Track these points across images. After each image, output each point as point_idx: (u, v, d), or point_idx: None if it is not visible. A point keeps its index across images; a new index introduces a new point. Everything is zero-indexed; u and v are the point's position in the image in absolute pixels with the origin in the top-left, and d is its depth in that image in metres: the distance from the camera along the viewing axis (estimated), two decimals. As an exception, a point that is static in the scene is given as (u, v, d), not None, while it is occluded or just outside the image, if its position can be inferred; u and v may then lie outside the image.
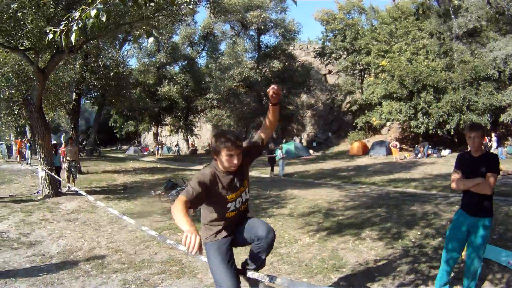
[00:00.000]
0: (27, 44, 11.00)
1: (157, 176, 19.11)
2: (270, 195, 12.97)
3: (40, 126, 12.74)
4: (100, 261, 6.62)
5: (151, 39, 3.65)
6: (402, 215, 8.75)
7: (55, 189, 13.03)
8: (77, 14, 3.31)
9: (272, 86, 3.18)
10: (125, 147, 61.19)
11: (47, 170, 12.81)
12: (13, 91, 12.68)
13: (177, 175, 19.51)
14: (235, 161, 3.09)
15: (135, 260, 6.63)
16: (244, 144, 3.32)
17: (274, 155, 19.38)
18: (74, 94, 21.88)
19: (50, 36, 3.57)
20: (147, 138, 62.15)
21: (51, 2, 9.98)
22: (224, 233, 3.40)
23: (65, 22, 3.40)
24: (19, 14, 8.74)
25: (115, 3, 3.30)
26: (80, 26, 3.31)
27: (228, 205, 3.27)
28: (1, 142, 30.00)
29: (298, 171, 20.10)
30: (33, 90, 12.36)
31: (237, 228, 3.44)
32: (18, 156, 25.59)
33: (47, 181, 12.83)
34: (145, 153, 47.35)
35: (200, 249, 2.46)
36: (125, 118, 47.69)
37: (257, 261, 3.56)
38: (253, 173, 21.11)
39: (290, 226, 8.45)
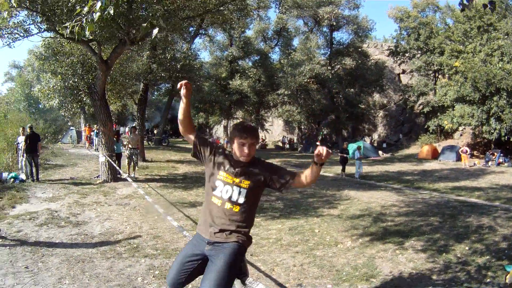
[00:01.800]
0: (88, 35, 11.54)
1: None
2: (325, 194, 12.78)
3: (103, 113, 13.39)
4: (135, 245, 6.87)
5: (155, 31, 3.63)
6: (455, 226, 8.28)
7: (114, 174, 13.61)
8: (86, 9, 3.40)
9: (323, 149, 2.83)
10: (197, 139, 62.76)
11: (107, 156, 13.43)
12: (76, 80, 13.40)
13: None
14: (246, 150, 3.09)
15: (168, 247, 6.79)
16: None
17: (346, 155, 18.68)
18: (141, 84, 22.80)
19: (68, 30, 3.68)
20: (219, 130, 63.38)
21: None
22: (202, 228, 3.24)
23: (79, 17, 3.51)
24: (77, 8, 9.13)
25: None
26: (89, 20, 3.39)
27: (217, 183, 3.17)
28: (71, 128, 32.09)
29: (362, 171, 19.48)
30: (97, 79, 13.00)
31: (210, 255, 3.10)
32: (87, 141, 27.16)
33: (107, 167, 13.44)
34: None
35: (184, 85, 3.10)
36: (196, 109, 48.93)
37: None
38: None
39: (334, 228, 8.28)
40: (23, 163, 13.10)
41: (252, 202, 3.19)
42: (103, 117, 13.44)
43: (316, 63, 35.55)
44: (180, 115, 3.30)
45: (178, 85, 3.18)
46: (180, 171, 17.98)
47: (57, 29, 10.86)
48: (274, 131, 53.48)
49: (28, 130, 13.10)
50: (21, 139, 13.34)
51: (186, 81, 3.18)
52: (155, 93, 36.03)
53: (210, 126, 59.89)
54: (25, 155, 12.87)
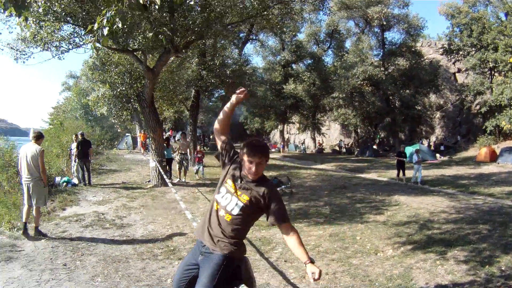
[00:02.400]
0: (133, 45, 12.00)
1: (272, 173, 19.34)
2: (374, 200, 12.43)
3: (152, 120, 13.83)
4: (172, 248, 7.04)
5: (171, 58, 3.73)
6: (504, 236, 7.71)
7: (164, 179, 13.99)
8: (96, 25, 3.57)
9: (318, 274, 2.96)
10: (255, 143, 63.09)
11: (156, 162, 13.84)
12: (124, 88, 13.93)
13: (291, 173, 19.60)
14: (253, 169, 3.12)
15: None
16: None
17: (403, 158, 17.65)
18: (193, 91, 23.29)
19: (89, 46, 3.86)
20: (276, 135, 63.51)
21: (154, 6, 10.69)
22: (199, 230, 3.32)
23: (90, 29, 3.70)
24: (117, 19, 9.49)
25: (124, 11, 3.45)
26: (99, 34, 3.56)
27: (221, 189, 3.24)
28: (127, 134, 33.32)
29: (410, 175, 18.77)
30: (145, 87, 13.46)
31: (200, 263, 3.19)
32: (142, 147, 28.06)
33: (157, 171, 13.85)
34: (273, 150, 48.30)
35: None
36: (252, 114, 49.28)
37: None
38: (371, 175, 20.32)
39: (377, 236, 8.02)
40: (75, 168, 13.77)
41: (244, 218, 3.18)
42: (152, 123, 13.89)
43: (368, 65, 34.78)
44: (222, 115, 3.44)
45: (238, 91, 3.34)
46: (231, 175, 18.13)
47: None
48: (331, 134, 52.90)
49: (79, 136, 13.77)
50: (74, 145, 14.03)
51: (245, 90, 3.35)
52: (212, 99, 36.61)
53: (266, 131, 60.14)
54: (77, 160, 13.54)
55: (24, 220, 7.27)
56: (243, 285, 3.21)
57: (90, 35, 10.24)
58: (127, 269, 5.85)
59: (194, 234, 3.39)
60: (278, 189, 12.75)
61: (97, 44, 3.67)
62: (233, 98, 3.35)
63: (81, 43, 11.94)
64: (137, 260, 6.31)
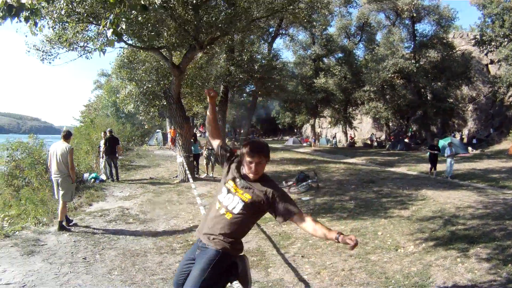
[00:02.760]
0: (157, 43, 12.18)
1: (300, 167, 19.29)
2: (401, 194, 12.18)
3: (179, 116, 14.00)
4: (191, 242, 7.10)
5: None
6: (532, 233, 7.42)
7: (191, 174, 14.16)
8: (101, 27, 3.68)
9: (352, 242, 2.91)
10: (286, 137, 63.14)
11: (183, 157, 14.02)
12: (149, 86, 14.17)
13: (319, 167, 19.47)
14: (253, 168, 3.17)
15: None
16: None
17: (436, 151, 17.04)
18: (221, 86, 23.45)
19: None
20: (308, 129, 63.21)
21: (179, 4, 10.83)
22: (200, 228, 3.37)
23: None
24: (140, 18, 9.67)
25: (127, 11, 3.51)
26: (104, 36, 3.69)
27: (223, 189, 3.27)
28: (158, 131, 33.84)
29: (441, 169, 18.30)
30: (171, 84, 13.64)
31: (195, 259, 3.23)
32: (171, 143, 28.43)
33: (184, 167, 14.03)
34: (304, 144, 48.18)
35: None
36: (284, 109, 49.22)
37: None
38: (400, 169, 19.95)
39: (399, 231, 7.86)
40: (103, 164, 14.12)
41: (245, 217, 3.19)
42: (179, 119, 14.06)
43: (399, 57, 34.09)
44: (206, 122, 3.65)
45: (205, 91, 3.53)
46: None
47: (124, 39, 11.61)
48: (363, 128, 52.27)
49: (108, 133, 14.13)
50: (103, 142, 14.40)
51: (211, 88, 3.42)
52: (243, 94, 36.70)
53: (297, 125, 59.88)
54: (104, 156, 13.89)
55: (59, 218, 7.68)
56: (237, 281, 3.25)
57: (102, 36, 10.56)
58: (144, 263, 5.98)
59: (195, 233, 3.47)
60: (304, 183, 12.80)
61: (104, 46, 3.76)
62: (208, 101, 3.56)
63: (105, 44, 12.22)
64: (155, 254, 6.44)
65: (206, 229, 3.21)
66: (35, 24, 3.75)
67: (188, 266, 3.21)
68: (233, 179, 3.27)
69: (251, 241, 7.23)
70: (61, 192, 7.74)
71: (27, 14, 3.45)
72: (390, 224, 8.46)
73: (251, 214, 3.21)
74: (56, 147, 7.96)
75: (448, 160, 16.32)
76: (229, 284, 3.24)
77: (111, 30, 3.54)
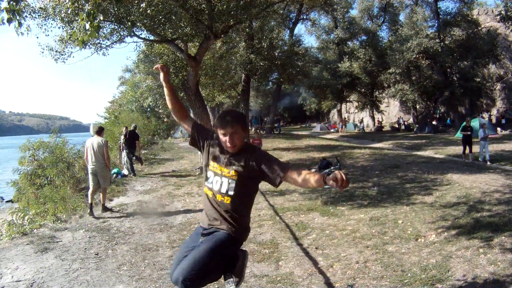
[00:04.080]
0: (171, 35, 12.12)
1: (325, 154, 19.04)
2: (426, 179, 11.81)
3: (198, 107, 13.97)
4: (205, 234, 7.03)
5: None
6: (562, 219, 7.04)
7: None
8: (79, 21, 3.62)
9: (339, 179, 2.58)
10: (314, 124, 62.69)
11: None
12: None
13: (344, 153, 19.20)
14: (228, 140, 2.97)
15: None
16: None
17: (469, 133, 15.87)
18: (243, 75, 23.32)
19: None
20: (335, 115, 62.62)
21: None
22: (202, 218, 3.27)
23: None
24: (148, 11, 9.63)
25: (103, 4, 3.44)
26: (82, 29, 3.61)
27: (208, 174, 3.16)
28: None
29: (475, 151, 17.70)
30: (189, 75, 13.60)
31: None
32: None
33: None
34: (332, 130, 47.67)
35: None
36: (310, 95, 48.86)
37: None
38: (428, 152, 19.48)
39: (421, 219, 7.53)
40: (125, 159, 14.31)
41: (243, 193, 3.08)
42: (199, 110, 14.03)
43: (423, 37, 33.16)
44: (168, 103, 3.35)
45: (154, 68, 3.26)
46: (284, 158, 17.89)
47: (137, 33, 11.62)
48: (390, 112, 51.45)
49: (132, 128, 14.37)
50: (123, 138, 14.62)
51: (161, 64, 3.18)
52: (268, 82, 36.41)
53: (323, 111, 59.35)
54: (125, 150, 14.09)
55: (90, 201, 8.74)
56: (233, 277, 3.14)
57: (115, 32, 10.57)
58: (154, 257, 5.97)
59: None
60: (327, 170, 12.63)
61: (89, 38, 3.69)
62: (160, 79, 3.30)
63: (123, 37, 12.27)
64: (167, 248, 6.42)
65: (210, 219, 3.10)
66: (20, 24, 3.70)
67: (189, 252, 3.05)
68: (214, 159, 3.13)
69: (265, 232, 7.14)
70: (101, 181, 9.03)
71: (10, 16, 3.40)
72: (412, 211, 8.16)
73: (247, 188, 3.11)
74: (92, 141, 9.20)
75: (482, 143, 15.48)
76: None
77: (89, 23, 3.46)
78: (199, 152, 14.16)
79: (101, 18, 3.43)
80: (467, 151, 15.87)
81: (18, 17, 3.52)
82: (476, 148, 16.12)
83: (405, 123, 43.40)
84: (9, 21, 3.45)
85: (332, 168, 13.15)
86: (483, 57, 34.06)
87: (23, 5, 3.49)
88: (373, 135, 35.43)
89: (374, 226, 7.27)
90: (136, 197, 10.47)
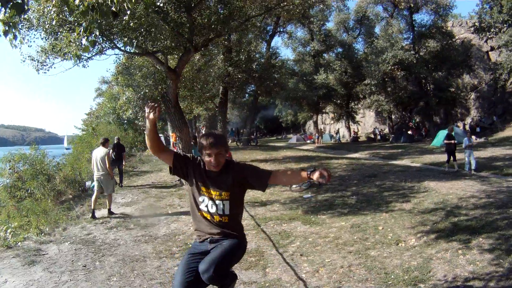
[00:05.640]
0: (152, 47, 12.21)
1: (303, 164, 19.24)
2: (403, 187, 12.11)
3: (177, 120, 14.04)
4: (190, 245, 7.04)
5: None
6: (536, 220, 7.40)
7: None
8: (74, 35, 3.70)
9: (325, 174, 2.97)
10: (290, 135, 63.11)
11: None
12: (147, 91, 14.19)
13: (322, 164, 19.45)
14: (213, 160, 3.16)
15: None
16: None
17: (454, 141, 15.65)
18: (221, 87, 23.45)
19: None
20: (311, 126, 63.18)
21: (171, 7, 10.87)
22: (198, 236, 3.39)
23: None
24: (131, 24, 9.73)
25: (97, 20, 3.53)
26: (78, 43, 3.71)
27: (200, 199, 3.29)
28: (160, 135, 33.83)
29: (461, 158, 18.18)
30: (169, 88, 13.67)
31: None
32: (173, 147, 28.17)
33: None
34: (308, 141, 48.06)
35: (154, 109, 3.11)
36: (286, 107, 49.32)
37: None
38: (404, 161, 19.91)
39: (400, 225, 7.82)
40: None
41: (238, 205, 3.38)
42: (178, 123, 14.09)
43: (399, 49, 34.05)
44: (149, 139, 3.30)
45: (147, 110, 3.15)
46: (261, 170, 18.05)
47: (117, 45, 11.68)
48: (366, 122, 52.25)
49: (115, 141, 14.38)
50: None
51: (153, 104, 3.17)
52: (245, 94, 36.57)
53: (299, 123, 59.87)
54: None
55: (93, 207, 9.61)
56: None
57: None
58: (143, 268, 6.02)
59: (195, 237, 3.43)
60: (306, 181, 12.78)
61: (80, 53, 3.80)
62: (149, 117, 3.17)
63: (104, 49, 12.29)
64: (154, 259, 6.47)
65: (214, 235, 3.27)
66: (15, 37, 3.77)
67: (197, 262, 3.16)
68: (204, 184, 3.27)
69: (250, 241, 7.22)
70: (105, 188, 9.91)
71: (6, 28, 3.48)
72: (392, 218, 8.43)
73: (239, 199, 3.39)
74: (97, 153, 10.12)
75: (467, 151, 15.07)
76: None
77: (85, 37, 3.56)
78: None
79: (97, 33, 3.53)
80: (451, 160, 15.76)
81: (14, 30, 3.59)
82: (459, 156, 16.25)
83: (381, 133, 44.11)
84: (6, 33, 3.51)
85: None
86: (458, 67, 35.10)
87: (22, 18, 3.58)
88: (349, 146, 35.91)
89: (356, 233, 7.48)
90: (118, 209, 10.44)
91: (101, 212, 10.23)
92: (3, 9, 3.27)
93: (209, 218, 3.27)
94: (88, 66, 12.43)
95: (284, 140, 54.73)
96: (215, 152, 3.15)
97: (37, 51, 12.09)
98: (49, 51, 11.61)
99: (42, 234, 7.86)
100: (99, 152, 10.07)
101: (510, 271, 5.15)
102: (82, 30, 3.43)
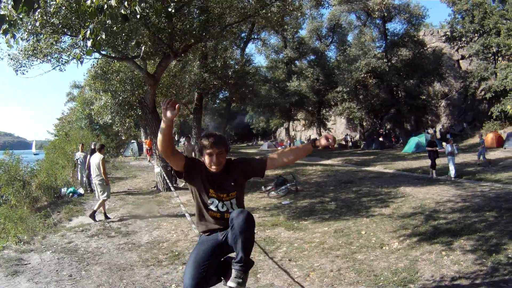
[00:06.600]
0: (132, 52, 12.05)
1: (278, 171, 19.21)
2: (380, 193, 12.34)
3: (155, 126, 13.88)
4: (177, 253, 7.08)
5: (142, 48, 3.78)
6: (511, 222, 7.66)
7: (170, 184, 14.02)
8: (80, 36, 3.61)
9: (329, 137, 3.16)
10: (261, 142, 63.25)
11: (161, 167, 13.89)
12: (125, 96, 13.99)
13: (297, 170, 19.48)
14: (214, 160, 3.22)
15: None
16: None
17: (436, 148, 15.73)
18: (196, 94, 23.32)
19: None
20: (282, 133, 63.49)
21: (152, 13, 10.76)
22: (204, 232, 3.45)
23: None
24: (114, 28, 9.58)
25: (107, 23, 3.48)
26: (84, 46, 3.66)
27: (210, 201, 3.32)
28: (133, 141, 33.47)
29: (423, 165, 18.60)
30: (146, 93, 13.52)
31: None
32: (147, 154, 27.77)
33: (162, 177, 13.91)
34: (279, 148, 48.18)
35: (173, 105, 2.89)
36: (258, 114, 49.42)
37: (237, 252, 3.07)
38: (377, 168, 20.24)
39: (382, 229, 7.99)
40: (84, 178, 13.90)
41: (242, 196, 3.53)
42: (155, 129, 13.91)
43: (371, 57, 34.65)
44: (163, 142, 3.10)
45: (164, 105, 2.90)
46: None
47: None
48: (337, 129, 52.86)
49: (92, 146, 14.02)
50: (79, 154, 14.20)
51: (174, 99, 2.95)
52: (217, 101, 36.42)
53: (271, 129, 60.06)
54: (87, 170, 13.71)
55: (103, 211, 10.12)
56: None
57: (76, 47, 10.45)
58: (131, 276, 5.89)
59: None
60: (283, 187, 12.82)
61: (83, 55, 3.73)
62: (168, 115, 2.93)
63: (81, 53, 12.04)
64: (141, 267, 6.35)
65: (225, 225, 3.27)
66: (13, 36, 3.67)
67: (210, 255, 3.20)
68: (212, 186, 3.31)
69: (237, 248, 7.19)
70: (100, 192, 10.20)
71: (6, 27, 3.38)
72: (373, 222, 8.60)
73: (243, 192, 3.53)
74: (94, 159, 10.55)
75: (449, 158, 15.14)
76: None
77: (91, 40, 3.50)
78: (156, 170, 14.08)
79: (103, 36, 3.46)
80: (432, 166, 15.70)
81: (13, 29, 3.49)
82: (440, 161, 16.49)
83: (352, 140, 44.72)
84: (5, 32, 3.42)
85: (288, 184, 13.41)
86: (429, 75, 35.81)
87: (22, 16, 3.46)
88: (321, 152, 36.08)
89: (340, 238, 7.57)
90: (96, 217, 10.19)
91: (79, 220, 10.00)
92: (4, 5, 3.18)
93: (219, 216, 3.33)
94: (65, 70, 12.19)
95: (255, 147, 54.77)
96: (216, 151, 3.20)
97: (18, 52, 11.76)
98: (29, 51, 11.32)
99: (22, 243, 7.61)
100: (96, 158, 10.45)
101: (494, 269, 5.36)
102: (88, 32, 3.35)
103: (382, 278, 5.41)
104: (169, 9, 5.86)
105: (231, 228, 3.04)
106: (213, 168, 3.25)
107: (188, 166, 3.29)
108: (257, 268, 6.10)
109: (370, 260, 6.18)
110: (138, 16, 3.81)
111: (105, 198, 10.24)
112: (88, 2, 3.12)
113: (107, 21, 3.33)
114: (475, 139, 31.39)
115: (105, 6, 3.17)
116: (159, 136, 3.08)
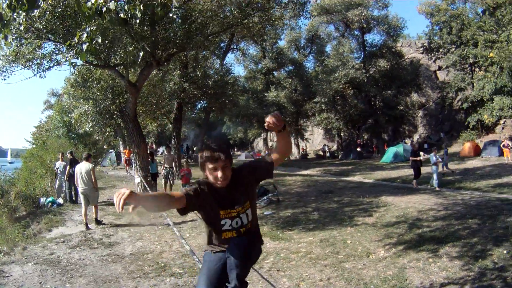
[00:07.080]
0: (114, 60, 11.92)
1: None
2: (362, 202, 12.43)
3: (136, 135, 13.70)
4: (163, 264, 6.94)
5: (140, 54, 3.73)
6: (494, 228, 7.82)
7: (151, 194, 13.83)
8: (75, 40, 3.51)
9: (269, 117, 2.88)
10: (238, 152, 63.19)
11: (141, 177, 13.70)
12: (107, 104, 13.80)
13: (277, 181, 19.46)
14: (219, 174, 2.86)
15: (196, 266, 6.71)
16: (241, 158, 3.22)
17: (419, 158, 15.83)
18: (175, 103, 23.18)
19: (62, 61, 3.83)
20: (260, 143, 63.52)
21: (135, 20, 10.66)
22: (212, 250, 3.25)
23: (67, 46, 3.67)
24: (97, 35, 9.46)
25: (105, 26, 3.41)
26: (77, 50, 3.55)
27: (222, 222, 3.05)
28: (111, 151, 33.03)
29: (402, 175, 18.92)
30: (128, 102, 13.36)
31: None
32: (126, 165, 27.26)
33: (142, 187, 13.71)
34: (257, 158, 48.06)
35: (123, 204, 2.31)
36: (235, 124, 49.29)
37: (231, 279, 3.00)
38: (356, 177, 20.40)
39: (367, 238, 8.04)
40: (65, 188, 13.56)
41: (255, 204, 3.29)
42: (136, 138, 13.76)
43: (350, 68, 35.13)
44: (158, 209, 3.04)
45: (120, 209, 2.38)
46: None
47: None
48: (314, 140, 53.19)
49: (69, 155, 13.67)
50: (59, 164, 13.86)
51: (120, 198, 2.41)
52: (195, 110, 36.18)
53: (249, 140, 60.05)
54: (65, 179, 13.38)
55: (85, 221, 9.98)
56: None
57: (70, 50, 10.24)
58: (118, 289, 5.76)
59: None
60: (264, 198, 12.77)
61: (74, 60, 3.65)
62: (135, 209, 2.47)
63: (62, 60, 11.84)
64: (128, 279, 6.21)
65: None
66: (5, 37, 3.56)
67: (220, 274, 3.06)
68: (221, 206, 3.03)
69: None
70: (91, 200, 10.40)
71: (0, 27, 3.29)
72: (357, 232, 8.65)
73: (255, 199, 3.33)
74: (81, 167, 10.46)
75: (434, 168, 15.18)
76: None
77: (87, 44, 3.42)
78: (136, 180, 13.87)
79: (99, 40, 3.39)
80: (414, 176, 15.76)
81: (6, 30, 3.39)
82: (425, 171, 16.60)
83: (330, 150, 45.03)
84: (-1, 32, 3.32)
85: (269, 195, 13.40)
86: (406, 86, 36.64)
87: (16, 15, 3.36)
88: (299, 163, 36.30)
89: (326, 247, 7.58)
90: (77, 227, 9.97)
91: (59, 230, 9.75)
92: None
93: (235, 234, 3.09)
94: (45, 76, 11.96)
95: (233, 157, 54.53)
96: (221, 165, 2.86)
97: (0, 56, 11.45)
98: (11, 55, 11.04)
99: (1, 254, 7.36)
100: (83, 167, 10.41)
101: (481, 274, 5.47)
102: (85, 36, 3.26)
103: (372, 286, 5.46)
104: (170, 14, 5.80)
105: (228, 258, 2.96)
106: (219, 184, 2.91)
107: (189, 202, 2.91)
108: (247, 278, 6.03)
109: (359, 269, 6.21)
110: (138, 21, 3.73)
111: (96, 203, 10.64)
112: (89, 4, 3.05)
113: (105, 25, 3.27)
114: (452, 149, 32.08)
115: (104, 9, 3.11)
116: (157, 209, 3.00)
